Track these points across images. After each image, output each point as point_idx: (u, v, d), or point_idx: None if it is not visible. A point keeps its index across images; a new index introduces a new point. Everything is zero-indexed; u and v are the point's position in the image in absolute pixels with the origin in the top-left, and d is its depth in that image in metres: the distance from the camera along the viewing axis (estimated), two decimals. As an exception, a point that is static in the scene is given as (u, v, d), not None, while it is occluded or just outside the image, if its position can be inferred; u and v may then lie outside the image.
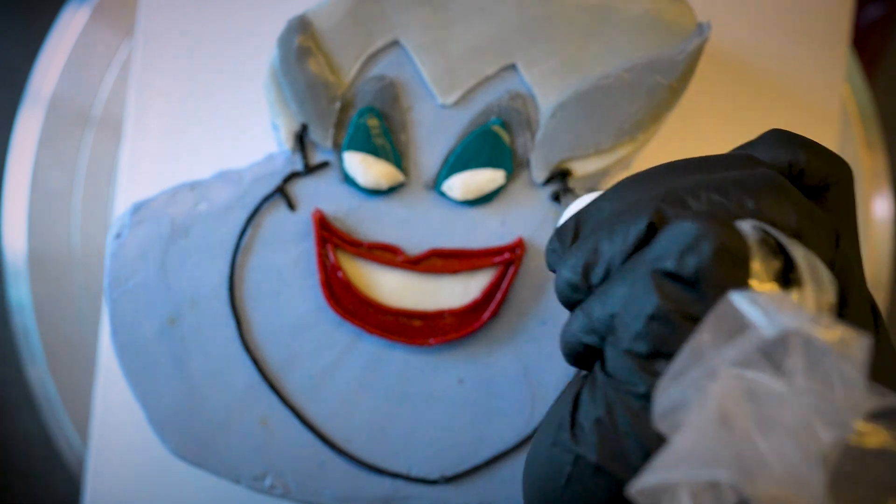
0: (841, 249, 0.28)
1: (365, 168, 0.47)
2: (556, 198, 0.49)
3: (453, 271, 0.48)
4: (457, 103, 0.48)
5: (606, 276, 0.29)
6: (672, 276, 0.26)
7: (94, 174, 0.61)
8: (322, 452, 0.48)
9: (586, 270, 0.30)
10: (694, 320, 0.25)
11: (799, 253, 0.26)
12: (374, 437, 0.48)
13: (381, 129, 0.48)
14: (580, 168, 0.48)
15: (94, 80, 0.62)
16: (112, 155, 0.61)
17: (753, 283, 0.25)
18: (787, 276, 0.26)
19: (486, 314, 0.48)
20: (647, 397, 0.26)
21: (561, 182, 0.49)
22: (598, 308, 0.29)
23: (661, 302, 0.26)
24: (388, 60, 0.48)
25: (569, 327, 0.31)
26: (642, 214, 0.29)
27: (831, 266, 0.27)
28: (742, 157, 0.31)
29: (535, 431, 0.48)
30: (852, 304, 0.27)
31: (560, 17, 0.48)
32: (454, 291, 0.48)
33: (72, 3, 0.63)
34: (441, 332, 0.48)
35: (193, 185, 0.48)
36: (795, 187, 0.30)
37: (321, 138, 0.48)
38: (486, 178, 0.48)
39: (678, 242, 0.26)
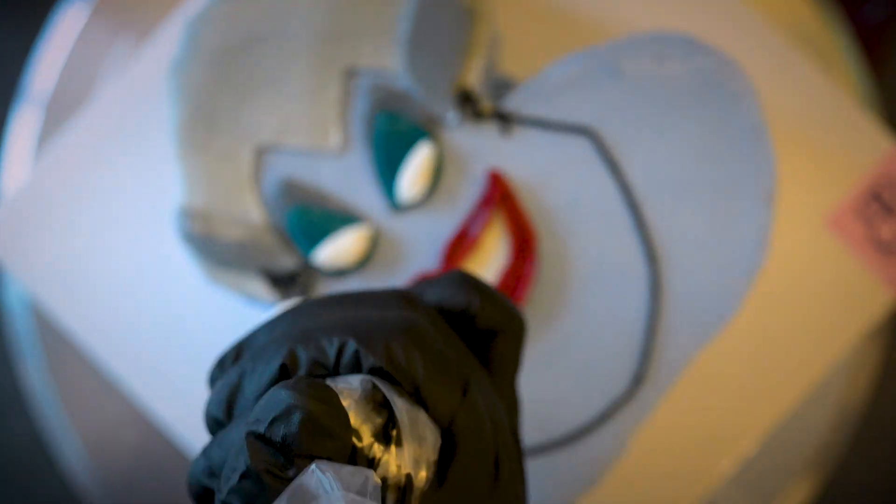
0: (468, 399, 0.29)
1: (338, 254, 0.47)
2: (479, 115, 0.48)
3: (473, 251, 0.48)
4: (345, 142, 0.47)
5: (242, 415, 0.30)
6: (264, 439, 0.27)
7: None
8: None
9: (229, 405, 0.30)
10: (285, 481, 0.27)
11: (402, 409, 0.27)
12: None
13: (316, 216, 0.46)
14: (469, 79, 0.47)
15: (90, 77, 0.60)
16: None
17: (354, 440, 0.27)
18: (387, 433, 0.27)
19: (529, 246, 0.48)
20: None
21: (468, 101, 0.47)
22: (216, 451, 0.30)
23: (252, 462, 0.27)
24: (267, 168, 0.47)
25: (193, 467, 0.31)
26: (277, 354, 0.29)
27: (452, 417, 0.28)
28: (397, 297, 0.32)
29: (640, 366, 0.48)
30: (466, 452, 0.28)
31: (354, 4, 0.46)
32: (489, 263, 0.48)
33: (67, 1, 0.62)
34: (519, 287, 0.48)
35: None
36: (460, 330, 0.32)
37: (288, 266, 0.47)
38: (422, 160, 0.47)
39: (272, 409, 0.27)
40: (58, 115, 0.60)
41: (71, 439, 0.59)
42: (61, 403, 0.58)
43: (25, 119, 0.61)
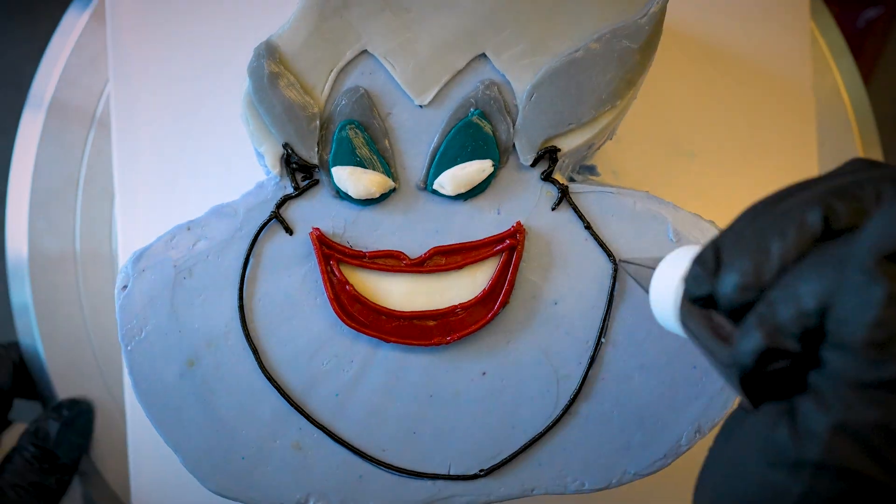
0: None
1: (355, 180, 0.48)
2: (547, 177, 0.49)
3: (458, 266, 0.48)
4: (433, 102, 0.48)
5: (779, 275, 0.29)
6: None
7: (96, 175, 0.61)
8: (359, 466, 0.48)
9: (757, 270, 0.29)
10: None
11: None
12: (407, 443, 0.48)
13: (363, 140, 0.48)
14: (565, 144, 0.48)
15: (97, 82, 0.62)
16: (111, 155, 0.61)
17: None
18: None
19: (498, 303, 0.48)
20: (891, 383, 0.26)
21: (549, 160, 0.49)
22: (784, 310, 0.28)
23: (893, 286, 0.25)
24: (359, 71, 0.48)
25: (741, 349, 0.29)
26: (811, 209, 0.28)
27: None
28: (853, 161, 0.30)
29: (564, 412, 0.49)
30: None
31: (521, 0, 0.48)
32: (463, 286, 0.49)
33: (74, 7, 0.63)
34: (457, 329, 0.48)
35: (189, 225, 0.49)
36: None
37: (307, 158, 0.48)
38: (475, 170, 0.48)
39: None
40: (62, 119, 0.61)
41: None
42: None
43: (33, 124, 0.62)
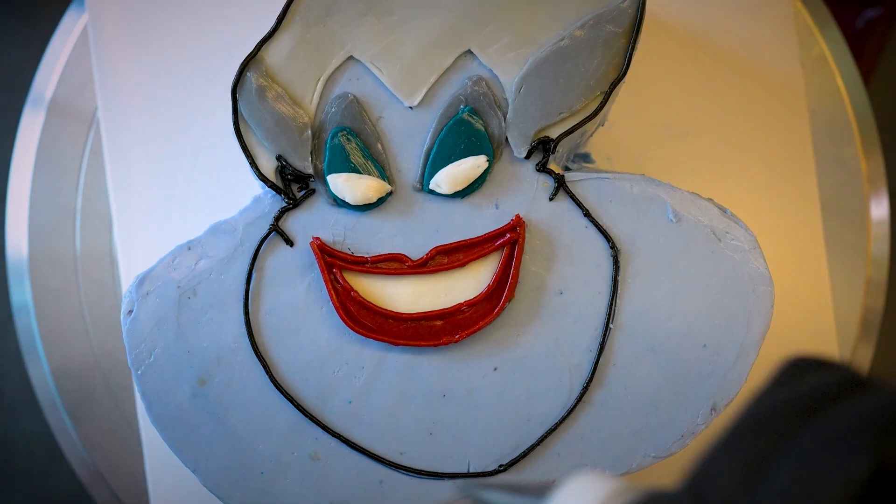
0: None
1: (351, 186, 0.48)
2: (543, 168, 0.49)
3: (461, 265, 0.48)
4: (423, 102, 0.48)
5: None
6: None
7: (96, 176, 0.61)
8: (379, 471, 0.48)
9: None
10: None
11: None
12: (425, 444, 0.48)
13: (356, 145, 0.48)
14: (557, 132, 0.48)
15: (94, 79, 0.61)
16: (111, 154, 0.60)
17: None
18: None
19: (503, 298, 0.48)
20: None
21: (543, 151, 0.49)
22: None
23: None
24: (346, 77, 0.48)
25: None
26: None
27: None
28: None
29: (578, 401, 0.49)
30: None
31: (502, -8, 0.48)
32: (467, 284, 0.49)
33: (74, 7, 0.63)
34: (464, 326, 0.48)
35: (190, 245, 0.49)
36: None
37: (301, 168, 0.48)
38: (469, 167, 0.48)
39: None
40: (62, 117, 0.61)
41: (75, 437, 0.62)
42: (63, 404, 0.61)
43: (33, 124, 0.62)
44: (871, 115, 0.63)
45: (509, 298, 0.48)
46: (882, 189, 0.63)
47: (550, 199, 0.49)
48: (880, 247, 0.61)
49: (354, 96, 0.48)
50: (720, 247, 0.49)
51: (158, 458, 0.54)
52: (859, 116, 0.63)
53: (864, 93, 0.62)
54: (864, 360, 0.57)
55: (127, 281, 0.57)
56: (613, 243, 0.49)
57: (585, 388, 0.49)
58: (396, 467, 0.48)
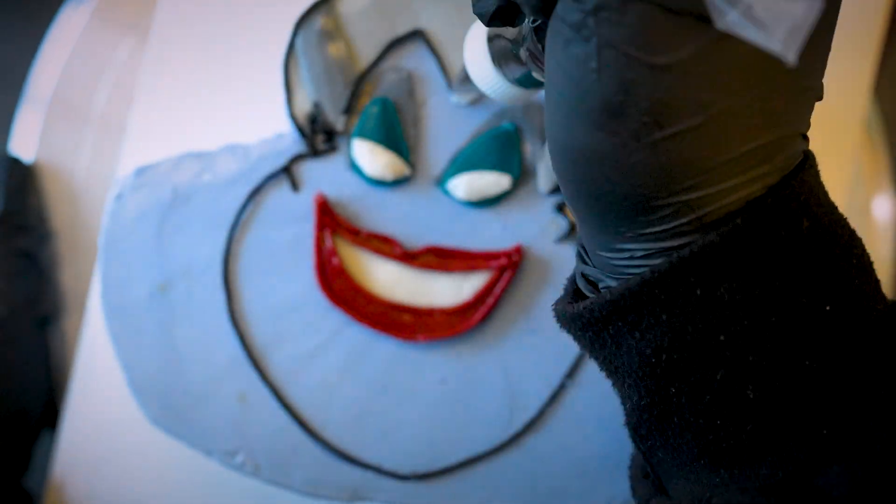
0: None
1: (372, 157, 0.47)
2: (560, 209, 0.49)
3: (448, 270, 0.48)
4: (472, 103, 0.48)
5: None
6: None
7: (94, 174, 0.61)
8: (296, 435, 0.48)
9: None
10: None
11: None
12: (350, 426, 0.48)
13: (393, 120, 0.47)
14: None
15: (94, 79, 0.61)
16: (111, 154, 0.60)
17: None
18: None
19: (477, 317, 0.48)
20: None
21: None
22: None
23: None
24: (408, 52, 0.48)
25: None
26: None
27: None
28: None
29: (511, 439, 0.48)
30: None
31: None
32: (447, 290, 0.48)
33: (70, 3, 0.62)
34: (429, 330, 0.48)
35: (200, 156, 0.48)
36: None
37: (333, 122, 0.48)
38: (491, 181, 0.48)
39: None
40: (60, 115, 0.60)
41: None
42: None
43: (31, 123, 0.61)
44: (875, 114, 0.62)
45: (482, 319, 0.48)
46: (886, 189, 0.62)
47: (556, 241, 0.49)
48: (884, 247, 0.60)
49: (409, 73, 0.48)
50: None
51: (94, 351, 0.54)
52: (863, 116, 0.62)
53: (869, 92, 0.61)
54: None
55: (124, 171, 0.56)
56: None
57: (523, 430, 0.48)
58: (315, 437, 0.48)
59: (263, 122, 0.49)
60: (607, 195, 0.29)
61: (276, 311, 0.48)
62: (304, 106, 0.48)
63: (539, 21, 0.32)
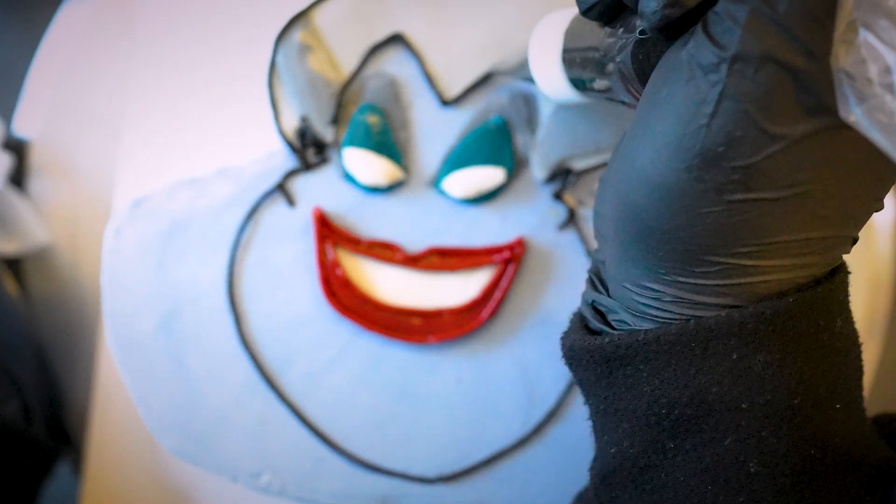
0: None
1: (365, 165, 0.47)
2: (557, 196, 0.48)
3: (452, 269, 0.48)
4: (457, 101, 0.48)
5: None
6: None
7: (94, 174, 0.61)
8: (319, 450, 0.48)
9: None
10: None
11: None
12: (371, 435, 0.48)
13: (381, 127, 0.47)
14: (580, 164, 0.48)
15: (93, 79, 0.60)
16: (111, 155, 0.60)
17: None
18: None
19: (486, 313, 0.48)
20: None
21: (562, 180, 0.48)
22: None
23: None
24: (389, 57, 0.48)
25: (644, 8, 0.28)
26: None
27: None
28: None
29: (533, 431, 0.48)
30: None
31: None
32: (453, 289, 0.48)
33: (69, 2, 0.62)
34: (440, 331, 0.48)
35: (193, 182, 0.48)
36: None
37: (322, 134, 0.48)
38: (485, 176, 0.48)
39: None
40: (59, 114, 0.60)
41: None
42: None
43: (27, 119, 0.61)
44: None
45: (491, 315, 0.48)
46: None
47: (557, 229, 0.49)
48: (884, 248, 0.60)
49: (393, 77, 0.48)
50: None
51: (110, 388, 0.54)
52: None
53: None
54: (869, 358, 0.55)
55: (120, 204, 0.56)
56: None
57: (544, 422, 0.48)
58: (338, 450, 0.48)
59: (253, 142, 0.49)
60: (665, 233, 0.29)
61: (286, 329, 0.48)
62: (291, 121, 0.48)
63: (646, 37, 0.31)
